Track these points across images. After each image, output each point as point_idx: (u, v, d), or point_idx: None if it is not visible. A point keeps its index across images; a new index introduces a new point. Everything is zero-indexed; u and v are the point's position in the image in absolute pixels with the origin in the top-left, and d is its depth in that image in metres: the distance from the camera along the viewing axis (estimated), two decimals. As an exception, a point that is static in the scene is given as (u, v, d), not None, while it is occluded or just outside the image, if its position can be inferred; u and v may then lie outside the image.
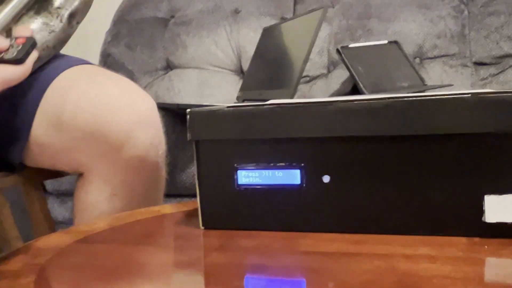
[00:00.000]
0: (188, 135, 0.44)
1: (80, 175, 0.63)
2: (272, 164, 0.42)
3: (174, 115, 1.11)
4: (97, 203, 0.60)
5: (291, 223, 0.42)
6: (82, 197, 0.62)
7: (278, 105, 0.41)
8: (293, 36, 1.09)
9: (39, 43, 0.60)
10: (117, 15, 1.61)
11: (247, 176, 0.43)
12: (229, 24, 1.50)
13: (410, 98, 0.38)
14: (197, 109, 0.43)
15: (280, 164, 0.42)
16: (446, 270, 0.32)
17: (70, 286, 0.34)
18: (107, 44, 1.58)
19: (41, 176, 0.70)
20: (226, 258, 0.37)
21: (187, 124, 0.43)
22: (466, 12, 1.31)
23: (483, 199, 0.37)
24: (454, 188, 0.38)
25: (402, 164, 0.39)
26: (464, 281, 0.30)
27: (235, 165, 0.43)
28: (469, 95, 0.36)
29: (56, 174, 0.69)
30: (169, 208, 0.55)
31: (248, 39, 1.45)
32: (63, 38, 0.63)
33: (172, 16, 1.58)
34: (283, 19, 1.41)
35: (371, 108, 0.38)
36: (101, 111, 0.57)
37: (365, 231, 0.40)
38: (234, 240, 0.41)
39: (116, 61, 1.55)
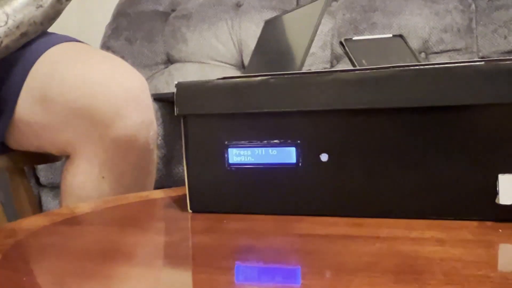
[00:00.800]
0: (176, 109, 0.40)
1: (67, 158, 0.60)
2: (265, 142, 0.39)
3: (171, 106, 1.08)
4: (84, 186, 0.57)
5: (285, 206, 0.39)
6: (68, 180, 0.58)
7: (272, 76, 0.38)
8: (295, 27, 1.05)
9: (25, 18, 0.57)
10: (117, 8, 1.58)
11: (238, 155, 0.40)
12: (231, 18, 1.47)
13: (417, 67, 0.34)
14: (185, 81, 0.40)
15: (274, 141, 0.39)
16: (456, 253, 0.28)
17: (36, 266, 0.30)
18: (107, 37, 1.56)
19: (27, 161, 0.67)
20: (213, 240, 0.33)
21: (174, 98, 0.40)
22: (473, 6, 1.27)
23: (496, 178, 0.34)
24: (464, 167, 0.34)
25: (408, 140, 0.35)
26: (477, 264, 0.26)
27: (226, 142, 0.40)
28: (483, 63, 0.33)
29: (42, 158, 0.65)
30: (158, 193, 0.52)
31: (250, 33, 1.42)
32: (52, 14, 0.60)
33: (173, 10, 1.55)
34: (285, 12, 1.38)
35: (375, 78, 0.35)
36: (89, 87, 0.54)
37: (366, 214, 0.37)
38: (223, 223, 0.38)
39: (115, 54, 1.53)
